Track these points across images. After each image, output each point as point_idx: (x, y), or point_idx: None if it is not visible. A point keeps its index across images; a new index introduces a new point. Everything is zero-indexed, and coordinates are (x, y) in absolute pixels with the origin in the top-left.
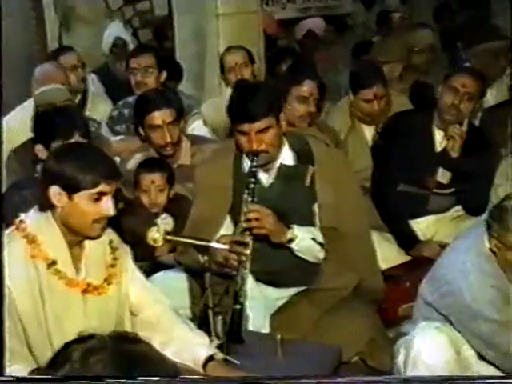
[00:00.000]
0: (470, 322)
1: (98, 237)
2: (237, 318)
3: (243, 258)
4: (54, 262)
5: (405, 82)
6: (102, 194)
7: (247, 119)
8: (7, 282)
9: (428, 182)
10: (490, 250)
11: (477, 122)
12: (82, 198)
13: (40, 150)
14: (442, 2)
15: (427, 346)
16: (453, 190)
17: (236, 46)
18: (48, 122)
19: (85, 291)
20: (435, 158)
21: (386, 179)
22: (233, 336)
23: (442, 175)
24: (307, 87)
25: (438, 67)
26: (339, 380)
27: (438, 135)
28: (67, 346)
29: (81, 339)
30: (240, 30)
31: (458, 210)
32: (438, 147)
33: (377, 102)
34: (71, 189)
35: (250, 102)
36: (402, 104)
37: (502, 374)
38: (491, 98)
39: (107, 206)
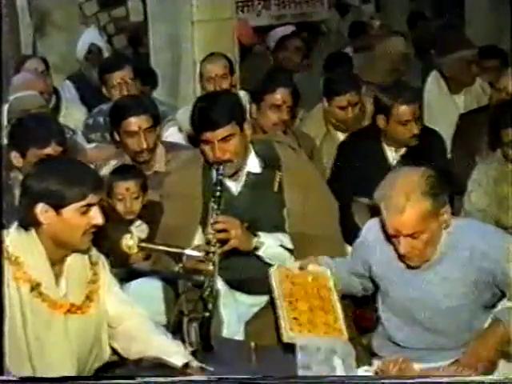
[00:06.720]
0: None
1: (88, 249)
2: (205, 326)
3: (210, 267)
4: (38, 285)
5: None
6: (89, 206)
7: (209, 127)
8: None
9: None
10: None
11: (451, 129)
12: (70, 212)
13: (15, 157)
14: (416, 10)
15: None
16: None
17: (217, 54)
18: (24, 129)
19: (67, 312)
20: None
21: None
22: (202, 343)
23: None
24: (280, 95)
25: (411, 75)
26: None
27: (389, 151)
28: None
29: None
30: (215, 36)
31: None
32: (392, 162)
33: (351, 109)
34: (59, 204)
35: (211, 111)
36: None
37: None
38: (460, 103)
39: (96, 216)
